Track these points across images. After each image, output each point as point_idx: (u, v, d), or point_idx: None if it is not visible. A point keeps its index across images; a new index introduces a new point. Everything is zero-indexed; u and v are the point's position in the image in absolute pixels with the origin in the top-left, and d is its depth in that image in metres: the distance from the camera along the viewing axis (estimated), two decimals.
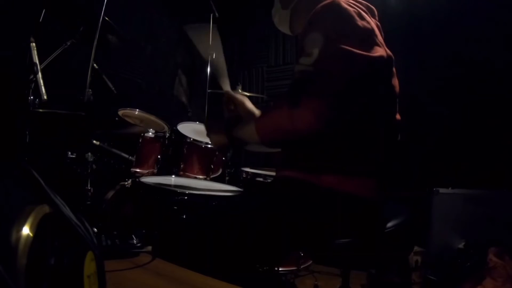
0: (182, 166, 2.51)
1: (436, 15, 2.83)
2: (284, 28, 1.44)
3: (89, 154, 2.45)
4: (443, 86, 2.82)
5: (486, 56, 2.64)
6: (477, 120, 2.67)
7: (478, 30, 2.66)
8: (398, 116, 1.27)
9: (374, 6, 1.29)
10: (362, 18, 1.12)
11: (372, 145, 1.16)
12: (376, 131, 1.17)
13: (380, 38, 1.17)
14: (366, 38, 1.09)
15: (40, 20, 2.32)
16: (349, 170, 1.14)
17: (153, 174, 2.54)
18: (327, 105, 1.03)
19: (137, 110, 2.65)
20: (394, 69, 1.24)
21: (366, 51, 1.06)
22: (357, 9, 1.14)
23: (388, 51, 1.15)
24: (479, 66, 2.67)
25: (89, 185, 2.42)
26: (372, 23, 1.16)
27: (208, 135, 1.38)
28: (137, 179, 2.34)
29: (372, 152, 1.16)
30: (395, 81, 1.25)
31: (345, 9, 1.11)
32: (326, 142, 1.13)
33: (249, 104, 1.42)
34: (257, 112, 1.46)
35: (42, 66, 2.17)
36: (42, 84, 2.08)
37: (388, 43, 1.29)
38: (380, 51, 1.11)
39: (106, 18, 2.40)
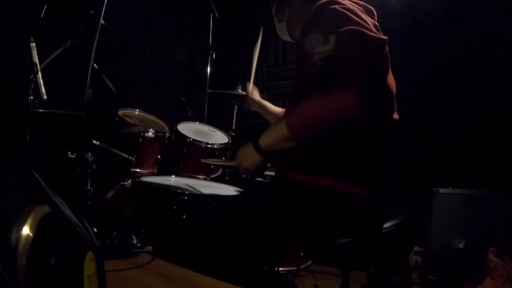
0: (182, 166, 2.50)
1: (436, 15, 2.83)
2: (286, 38, 1.47)
3: (89, 154, 2.45)
4: (443, 86, 2.83)
5: (486, 55, 2.64)
6: (477, 120, 2.67)
7: (478, 30, 2.66)
8: (396, 116, 1.26)
9: (374, 7, 1.29)
10: (360, 14, 1.14)
11: (371, 144, 1.16)
12: (375, 130, 1.17)
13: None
14: (369, 26, 1.10)
15: (40, 19, 2.32)
16: (347, 170, 1.14)
17: (153, 174, 2.54)
18: (361, 85, 1.00)
19: (137, 110, 2.64)
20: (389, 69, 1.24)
21: (374, 33, 1.06)
22: (353, 7, 1.15)
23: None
24: (479, 66, 2.67)
25: (89, 185, 2.42)
26: (369, 21, 1.16)
27: (240, 164, 1.23)
28: (137, 179, 2.34)
29: (371, 152, 1.16)
30: (391, 80, 1.25)
31: (342, 4, 1.13)
32: (328, 143, 1.13)
33: (271, 106, 1.40)
34: (279, 110, 1.46)
35: (42, 66, 2.17)
36: (42, 84, 2.08)
37: (388, 43, 1.29)
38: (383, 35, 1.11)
39: (102, 22, 2.39)
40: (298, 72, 1.29)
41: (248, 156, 1.18)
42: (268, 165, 1.21)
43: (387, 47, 1.16)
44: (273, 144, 1.13)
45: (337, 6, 1.11)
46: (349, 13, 1.09)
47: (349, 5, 1.14)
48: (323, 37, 1.07)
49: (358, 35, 1.04)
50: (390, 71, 1.24)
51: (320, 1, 1.19)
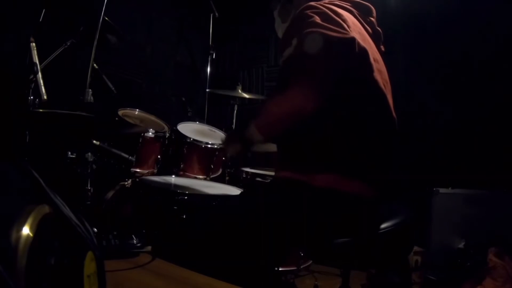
0: (182, 166, 2.51)
1: (436, 15, 2.83)
2: None
3: (89, 154, 2.45)
4: (443, 85, 2.82)
5: (487, 55, 2.64)
6: (477, 120, 2.67)
7: (478, 30, 2.66)
8: (393, 114, 1.26)
9: (374, 6, 1.30)
10: (335, 12, 1.17)
11: (366, 144, 1.17)
12: (368, 129, 1.17)
13: (358, 29, 1.21)
14: (337, 26, 1.12)
15: (40, 20, 2.32)
16: (345, 170, 1.14)
17: (153, 174, 2.54)
18: (312, 84, 1.08)
19: (137, 110, 2.64)
20: (380, 66, 1.24)
21: (338, 33, 1.10)
22: (329, 7, 1.18)
23: (362, 45, 1.16)
24: (479, 65, 2.67)
25: (89, 185, 2.41)
26: (346, 17, 1.18)
27: (225, 146, 1.38)
28: (137, 179, 2.34)
29: (367, 151, 1.16)
30: (381, 76, 1.24)
31: (316, 7, 1.18)
32: (322, 142, 1.14)
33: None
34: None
35: (42, 66, 2.17)
36: (42, 84, 2.08)
37: (388, 43, 1.29)
38: (353, 34, 1.13)
39: (106, 18, 2.40)
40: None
41: (232, 144, 1.31)
42: (248, 155, 1.32)
43: (369, 46, 1.20)
44: (249, 136, 1.22)
45: (308, 11, 1.16)
46: (316, 16, 1.13)
47: (323, 8, 1.17)
48: (288, 41, 1.16)
49: (319, 37, 1.08)
50: (382, 69, 1.25)
51: (306, 4, 1.22)
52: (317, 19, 1.12)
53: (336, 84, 1.09)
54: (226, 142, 1.38)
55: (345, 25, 1.13)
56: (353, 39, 1.11)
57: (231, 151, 1.36)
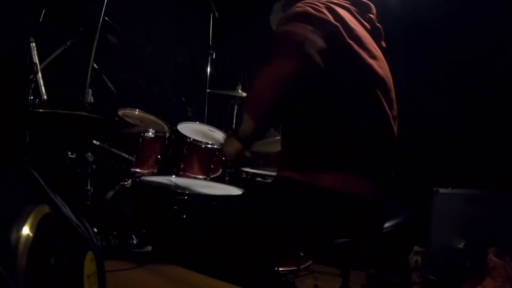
0: (182, 166, 2.51)
1: (436, 15, 2.83)
2: None
3: (89, 154, 2.45)
4: (443, 85, 2.83)
5: (487, 55, 2.64)
6: (477, 119, 2.67)
7: (478, 30, 2.65)
8: (395, 112, 1.26)
9: (374, 6, 1.30)
10: (329, 8, 1.18)
11: (369, 143, 1.16)
12: (367, 127, 1.17)
13: (352, 25, 1.20)
14: (320, 26, 1.12)
15: (40, 20, 2.32)
16: (346, 170, 1.14)
17: (153, 174, 2.54)
18: (291, 45, 1.09)
19: (137, 110, 2.64)
20: (380, 63, 1.24)
21: (322, 14, 1.12)
22: (327, 4, 1.19)
23: (347, 39, 1.16)
24: (479, 65, 2.67)
25: (89, 185, 2.42)
26: (343, 14, 1.19)
27: (224, 148, 1.34)
28: (137, 179, 2.34)
29: (367, 151, 1.16)
30: (383, 72, 1.24)
31: (312, 3, 1.18)
32: (322, 142, 1.14)
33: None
34: None
35: (42, 66, 2.17)
36: (42, 84, 2.09)
37: (388, 43, 1.29)
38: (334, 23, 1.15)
39: (106, 18, 2.40)
40: None
41: (230, 143, 1.27)
42: (248, 154, 1.29)
43: (372, 41, 1.23)
44: (245, 129, 1.20)
45: (301, 3, 1.18)
46: (306, 6, 1.16)
47: (319, 3, 1.18)
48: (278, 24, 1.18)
49: (301, 11, 1.13)
50: (383, 65, 1.24)
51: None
52: (306, 4, 1.16)
53: (321, 58, 1.08)
54: (224, 144, 1.35)
55: (330, 16, 1.15)
56: (336, 26, 1.13)
57: (230, 151, 1.31)
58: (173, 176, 2.37)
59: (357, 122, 1.16)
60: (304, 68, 1.08)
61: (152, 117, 2.68)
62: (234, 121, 3.26)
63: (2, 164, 0.85)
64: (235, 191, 2.20)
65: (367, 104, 1.19)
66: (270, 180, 2.50)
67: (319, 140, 1.15)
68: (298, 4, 1.18)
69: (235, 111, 3.25)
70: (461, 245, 2.19)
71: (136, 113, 2.65)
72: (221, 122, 4.04)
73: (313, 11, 1.12)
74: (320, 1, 1.21)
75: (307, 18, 1.11)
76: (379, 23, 1.35)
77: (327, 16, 1.14)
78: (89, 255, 0.87)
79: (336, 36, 1.13)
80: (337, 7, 1.20)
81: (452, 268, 2.16)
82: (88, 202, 2.38)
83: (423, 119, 2.83)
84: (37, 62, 2.10)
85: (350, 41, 1.16)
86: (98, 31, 2.35)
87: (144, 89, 3.74)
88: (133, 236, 2.23)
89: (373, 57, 1.22)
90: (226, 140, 1.33)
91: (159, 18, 3.91)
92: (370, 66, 1.19)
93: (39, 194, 0.83)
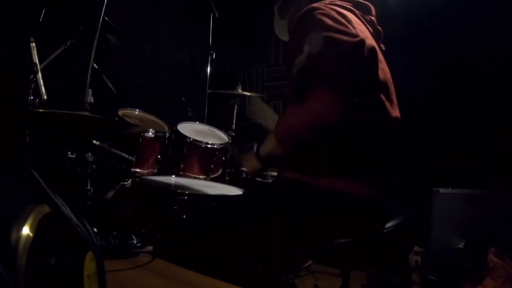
0: (182, 166, 2.51)
1: (436, 15, 2.83)
2: (284, 36, 1.49)
3: (89, 154, 2.45)
4: (443, 85, 2.82)
5: (487, 55, 2.64)
6: (477, 119, 2.67)
7: (478, 30, 2.65)
8: (397, 114, 1.26)
9: (374, 6, 1.30)
10: (340, 14, 1.16)
11: (369, 142, 1.16)
12: (370, 130, 1.17)
13: (363, 30, 1.20)
14: (343, 29, 1.12)
15: (40, 20, 2.32)
16: (347, 170, 1.14)
17: (153, 174, 2.54)
18: (332, 95, 1.06)
19: (137, 110, 2.64)
20: (382, 65, 1.24)
21: (349, 36, 1.10)
22: (334, 8, 1.18)
23: (370, 44, 1.16)
24: (479, 65, 2.67)
25: (89, 185, 2.42)
26: (351, 17, 1.18)
27: (243, 164, 1.38)
28: (137, 179, 2.34)
29: (369, 150, 1.16)
30: (384, 75, 1.24)
31: (321, 9, 1.17)
32: (323, 142, 1.14)
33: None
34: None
35: (42, 66, 2.17)
36: (42, 84, 2.08)
37: (388, 43, 1.29)
38: (360, 35, 1.13)
39: (106, 18, 2.40)
40: (289, 72, 1.31)
41: (250, 162, 1.30)
42: (265, 172, 1.32)
43: (375, 44, 1.20)
44: (269, 152, 1.24)
45: (315, 12, 1.15)
46: (325, 19, 1.13)
47: (328, 9, 1.16)
48: (299, 46, 1.14)
49: (330, 41, 1.09)
50: (384, 68, 1.24)
51: (309, 6, 1.22)
52: (326, 21, 1.12)
53: (354, 90, 1.08)
54: (243, 160, 1.36)
55: (350, 26, 1.13)
56: (362, 41, 1.11)
57: (249, 168, 1.34)
58: (173, 176, 2.37)
59: (360, 127, 1.15)
60: (340, 117, 1.08)
61: (152, 117, 2.68)
62: (234, 121, 3.25)
63: (2, 164, 0.85)
64: (235, 191, 2.20)
65: (371, 109, 1.19)
66: (270, 180, 2.50)
67: (320, 145, 1.15)
68: (315, 16, 1.15)
69: (235, 111, 3.24)
70: (461, 245, 2.19)
71: (136, 113, 2.65)
72: (221, 122, 4.04)
73: (341, 37, 1.09)
74: (327, 4, 1.20)
75: (339, 46, 1.08)
76: (379, 25, 1.35)
77: (352, 33, 1.12)
78: (89, 255, 0.87)
79: (363, 56, 1.13)
80: (344, 11, 1.20)
81: (452, 268, 2.15)
82: (88, 202, 2.37)
83: (423, 119, 2.82)
84: (37, 62, 2.09)
85: (372, 51, 1.16)
86: (98, 31, 2.35)
87: (144, 89, 3.74)
88: (133, 236, 2.23)
89: (380, 60, 1.23)
90: (245, 158, 1.35)
91: (159, 18, 3.91)
92: (380, 72, 1.21)
93: (39, 194, 0.83)
